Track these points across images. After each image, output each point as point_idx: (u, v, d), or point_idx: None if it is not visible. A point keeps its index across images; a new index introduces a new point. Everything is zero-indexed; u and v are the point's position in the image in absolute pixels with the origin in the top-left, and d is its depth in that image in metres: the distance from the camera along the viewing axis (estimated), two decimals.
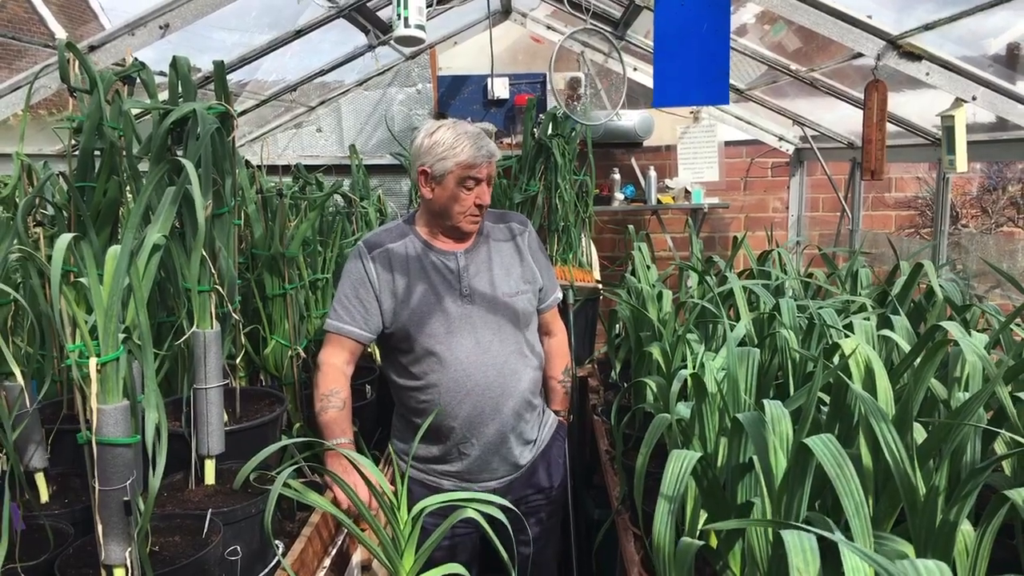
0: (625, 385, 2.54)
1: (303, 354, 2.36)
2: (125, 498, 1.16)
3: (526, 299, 2.24)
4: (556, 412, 2.45)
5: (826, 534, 0.86)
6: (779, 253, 2.70)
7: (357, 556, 2.10)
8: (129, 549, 1.19)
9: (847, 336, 1.61)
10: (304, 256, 2.47)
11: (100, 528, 1.17)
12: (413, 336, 2.12)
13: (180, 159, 1.44)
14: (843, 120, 3.62)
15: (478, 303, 2.16)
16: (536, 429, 2.29)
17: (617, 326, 3.30)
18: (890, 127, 3.07)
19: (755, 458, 1.27)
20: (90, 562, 1.37)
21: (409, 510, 1.77)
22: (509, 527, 1.96)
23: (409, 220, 2.24)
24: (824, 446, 1.03)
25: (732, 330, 1.86)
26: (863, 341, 1.50)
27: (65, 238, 1.07)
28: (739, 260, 3.67)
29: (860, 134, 2.41)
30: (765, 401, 1.27)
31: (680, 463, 1.27)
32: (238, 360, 2.11)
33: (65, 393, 1.87)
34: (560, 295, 2.42)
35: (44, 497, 1.58)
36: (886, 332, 1.63)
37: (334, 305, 2.18)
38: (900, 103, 2.98)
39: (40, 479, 1.58)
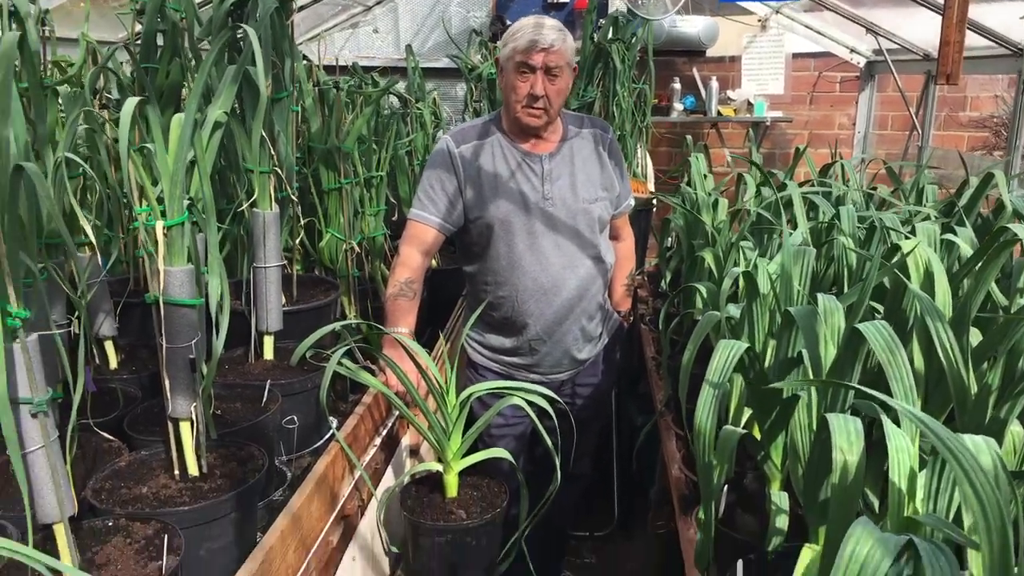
0: (674, 293, 2.54)
1: (357, 248, 2.40)
2: (190, 356, 1.22)
3: (603, 206, 2.27)
4: (618, 312, 2.54)
5: (874, 394, 0.86)
6: (842, 165, 2.62)
7: (406, 439, 2.18)
8: (194, 404, 1.26)
9: (907, 238, 1.57)
10: (359, 154, 2.48)
11: (167, 383, 1.24)
12: (496, 233, 2.17)
13: (242, 25, 1.45)
14: (921, 30, 3.44)
15: (559, 207, 2.19)
16: (601, 326, 2.39)
17: (669, 239, 3.27)
18: (971, 39, 2.91)
19: (804, 351, 1.27)
20: (156, 420, 1.45)
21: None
22: (555, 420, 2.00)
23: (495, 119, 2.25)
24: (876, 331, 1.02)
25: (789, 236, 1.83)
26: (924, 244, 1.46)
27: (132, 101, 1.09)
28: (799, 176, 3.57)
29: (937, 47, 2.29)
30: (819, 294, 1.26)
31: (727, 352, 1.28)
32: (295, 250, 2.17)
33: (132, 271, 1.95)
34: (632, 202, 2.45)
35: (113, 364, 1.67)
36: (949, 236, 1.58)
37: (418, 194, 2.21)
38: (983, 13, 2.81)
39: (109, 346, 1.66)
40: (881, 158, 3.85)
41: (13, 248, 0.90)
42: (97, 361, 1.64)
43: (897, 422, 1.05)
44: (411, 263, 2.17)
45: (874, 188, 2.53)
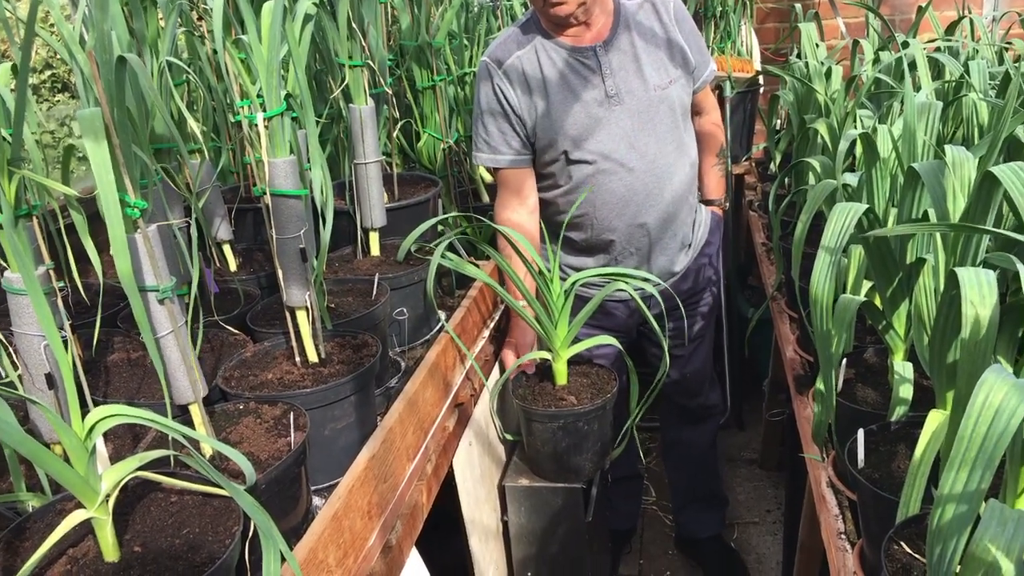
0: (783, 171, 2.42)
1: (455, 147, 2.40)
2: (300, 246, 1.26)
3: (680, 87, 2.00)
4: (710, 202, 2.29)
5: (1010, 234, 0.79)
6: (971, 21, 2.39)
7: None
8: (308, 293, 1.30)
9: None
10: (451, 51, 2.45)
11: (281, 273, 1.29)
12: (559, 147, 1.95)
13: None
14: None
15: (627, 102, 1.93)
16: (692, 230, 2.17)
17: (777, 120, 3.10)
18: None
19: (930, 210, 1.18)
20: (276, 316, 1.52)
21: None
22: (665, 315, 1.96)
23: (533, 18, 1.98)
24: (1013, 174, 0.93)
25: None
26: None
27: None
28: (922, 39, 3.28)
29: None
30: (947, 146, 1.16)
31: (844, 216, 1.21)
32: (393, 151, 2.18)
33: (242, 180, 2.02)
34: (714, 67, 2.13)
35: (232, 266, 1.75)
36: None
37: (475, 140, 2.02)
38: None
39: (228, 250, 1.74)
40: (1016, 11, 3.48)
41: (125, 141, 0.93)
42: (218, 264, 1.73)
43: None
44: (504, 205, 2.03)
45: (1009, 43, 2.30)
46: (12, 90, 1.17)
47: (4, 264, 1.06)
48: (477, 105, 2.00)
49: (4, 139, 0.97)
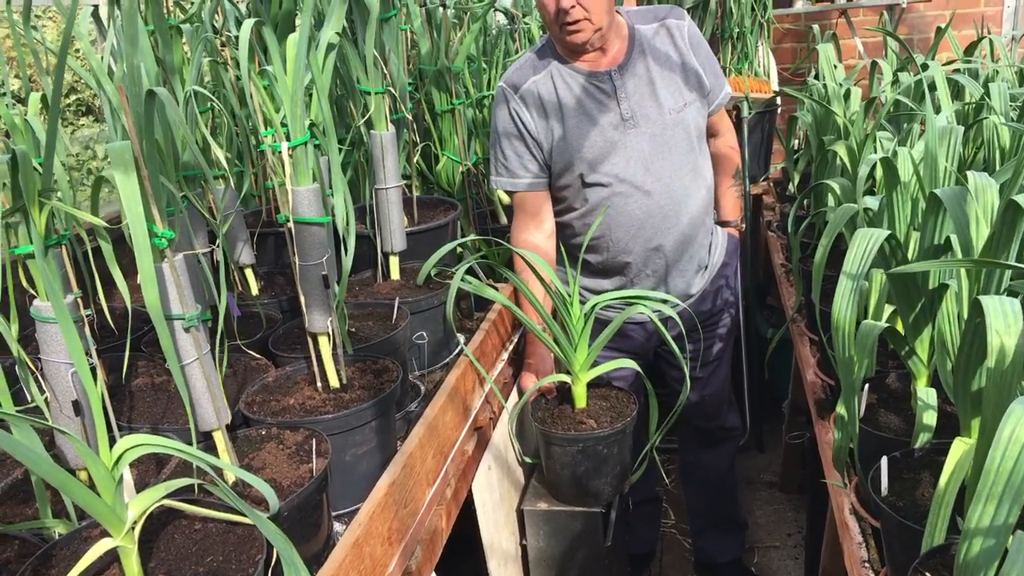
0: (803, 193, 2.41)
1: (473, 169, 2.41)
2: (322, 272, 1.27)
3: (695, 110, 2.01)
4: (726, 223, 2.30)
5: None
6: (991, 42, 2.38)
7: None
8: (330, 319, 1.31)
9: None
10: (469, 74, 2.47)
11: (303, 299, 1.30)
12: (575, 171, 1.97)
13: None
14: None
15: (643, 125, 1.95)
16: (708, 252, 2.17)
17: (795, 140, 3.09)
18: None
19: (953, 236, 1.18)
20: (297, 340, 1.54)
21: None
22: (685, 336, 1.96)
23: (548, 44, 2.01)
24: None
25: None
26: None
27: (249, 22, 1.12)
28: (941, 60, 3.27)
29: None
30: (969, 173, 1.16)
31: (866, 242, 1.20)
32: (412, 175, 2.20)
33: (264, 203, 2.04)
34: (729, 90, 2.14)
35: (255, 290, 1.77)
36: None
37: (491, 162, 2.04)
38: None
39: (249, 274, 1.76)
40: None
41: (153, 172, 0.95)
42: (240, 288, 1.74)
43: None
44: (522, 229, 2.04)
45: None
46: (40, 113, 1.20)
47: (32, 292, 1.08)
48: (494, 130, 2.03)
49: (35, 169, 0.99)
